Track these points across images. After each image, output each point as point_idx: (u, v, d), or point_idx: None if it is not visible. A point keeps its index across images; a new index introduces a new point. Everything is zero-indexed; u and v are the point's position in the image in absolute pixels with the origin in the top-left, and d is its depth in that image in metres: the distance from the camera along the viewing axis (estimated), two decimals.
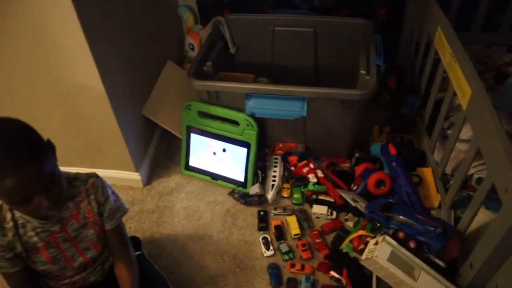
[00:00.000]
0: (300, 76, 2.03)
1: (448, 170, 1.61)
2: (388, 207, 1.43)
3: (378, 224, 1.41)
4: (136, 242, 1.44)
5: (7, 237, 1.02)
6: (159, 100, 1.83)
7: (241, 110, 1.63)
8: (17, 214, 1.03)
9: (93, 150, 1.70)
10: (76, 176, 1.13)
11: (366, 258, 1.28)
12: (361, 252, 1.37)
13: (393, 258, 1.25)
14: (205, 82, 1.61)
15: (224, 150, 1.71)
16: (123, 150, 1.66)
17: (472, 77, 1.30)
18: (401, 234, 1.32)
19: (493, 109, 1.20)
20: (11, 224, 1.02)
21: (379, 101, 2.00)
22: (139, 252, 1.39)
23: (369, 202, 1.52)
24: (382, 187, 1.54)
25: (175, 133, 1.82)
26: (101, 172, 1.77)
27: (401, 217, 1.37)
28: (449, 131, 1.66)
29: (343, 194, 1.54)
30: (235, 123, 1.65)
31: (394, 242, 1.28)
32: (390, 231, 1.35)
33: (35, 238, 1.05)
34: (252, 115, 1.61)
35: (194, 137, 1.76)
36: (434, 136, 1.65)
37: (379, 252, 1.25)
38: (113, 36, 1.50)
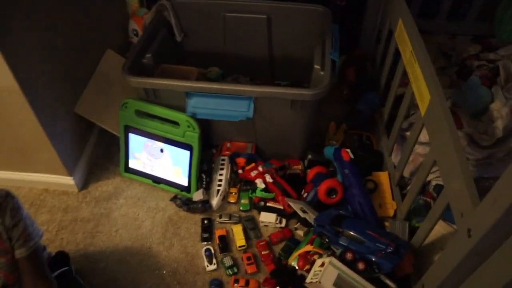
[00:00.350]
0: (254, 65, 1.88)
1: (406, 174, 1.51)
2: (339, 219, 1.32)
3: (327, 240, 1.30)
4: (63, 257, 1.30)
5: None
6: (95, 95, 1.65)
7: (183, 108, 1.47)
8: None
9: (17, 153, 1.52)
10: None
11: (311, 282, 1.16)
12: (308, 271, 1.26)
13: (340, 282, 1.14)
14: (141, 79, 1.44)
15: (161, 151, 1.56)
16: (50, 154, 1.49)
17: (432, 82, 1.17)
18: (349, 255, 1.21)
19: (453, 123, 1.07)
20: None
21: (338, 94, 1.87)
22: (65, 268, 1.26)
23: (319, 212, 1.40)
24: (334, 196, 1.42)
25: (113, 132, 1.65)
26: (30, 177, 1.63)
27: (351, 232, 1.26)
28: (408, 133, 1.54)
29: (291, 204, 1.42)
30: (175, 123, 1.49)
31: (341, 265, 1.17)
32: (338, 252, 1.24)
33: None
34: (193, 116, 1.45)
35: (133, 138, 1.60)
36: (392, 137, 1.54)
37: (324, 277, 1.14)
38: (31, 25, 1.30)
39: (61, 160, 1.52)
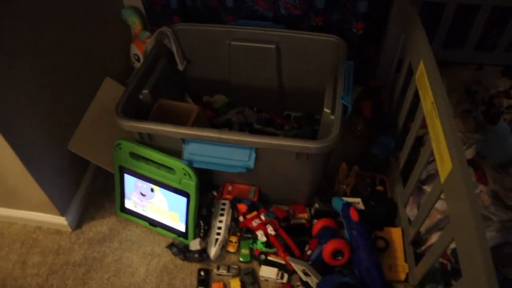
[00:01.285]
0: (263, 95, 1.76)
1: (421, 229, 1.38)
2: (345, 287, 1.21)
3: None
4: None
5: None
6: (91, 130, 1.55)
7: (178, 153, 1.36)
8: None
9: (7, 191, 1.44)
10: None
11: None
12: None
13: None
14: (133, 123, 1.33)
15: (152, 190, 1.47)
16: (40, 195, 1.41)
17: (456, 150, 1.02)
18: None
19: (478, 208, 0.94)
20: None
21: (352, 130, 1.73)
22: None
23: (322, 274, 1.28)
24: (340, 258, 1.30)
25: (108, 169, 1.56)
26: (23, 214, 1.56)
27: None
28: (425, 187, 1.41)
29: (293, 265, 1.31)
30: (172, 169, 1.39)
31: None
32: None
33: None
34: (190, 164, 1.35)
35: (128, 178, 1.50)
36: (408, 188, 1.40)
37: None
38: (15, 52, 1.21)
39: (51, 200, 1.44)
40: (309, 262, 1.32)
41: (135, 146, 1.40)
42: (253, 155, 1.31)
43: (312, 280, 1.28)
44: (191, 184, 1.37)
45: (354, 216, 1.31)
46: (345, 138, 1.70)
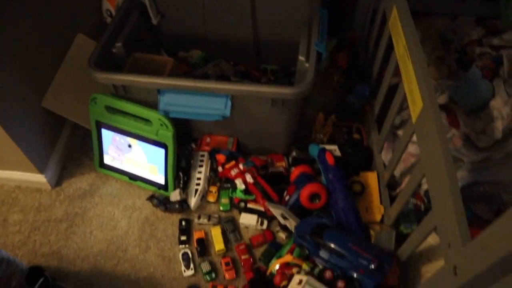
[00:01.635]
0: (238, 48, 1.74)
1: (396, 173, 1.41)
2: (321, 229, 1.24)
3: (307, 251, 1.22)
4: (37, 269, 1.26)
5: None
6: (64, 87, 1.53)
7: (155, 104, 1.36)
8: None
9: None
10: None
11: None
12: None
13: None
14: (107, 75, 1.32)
15: (129, 146, 1.47)
16: (16, 153, 1.40)
17: (426, 89, 1.04)
18: (328, 274, 1.14)
19: (446, 141, 0.97)
20: None
21: (328, 82, 1.74)
22: (42, 279, 1.21)
23: (300, 218, 1.32)
24: (317, 201, 1.33)
25: (85, 125, 1.55)
26: (1, 174, 1.55)
27: (332, 245, 1.19)
28: (400, 132, 1.44)
29: (271, 209, 1.34)
30: (148, 121, 1.39)
31: (318, 285, 1.10)
32: (316, 270, 1.17)
33: None
34: (166, 114, 1.35)
35: (106, 133, 1.50)
36: (383, 134, 1.43)
37: None
38: None
39: (29, 158, 1.43)
40: (288, 207, 1.35)
41: (111, 99, 1.39)
42: (229, 103, 1.32)
43: (291, 224, 1.31)
44: (168, 135, 1.37)
45: (330, 160, 1.34)
46: (322, 90, 1.70)
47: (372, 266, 1.13)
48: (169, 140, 1.38)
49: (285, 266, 1.24)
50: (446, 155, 0.95)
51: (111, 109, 1.42)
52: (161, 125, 1.36)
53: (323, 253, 1.19)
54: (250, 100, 1.30)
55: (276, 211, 1.33)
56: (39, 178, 1.52)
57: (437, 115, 1.02)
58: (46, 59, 1.48)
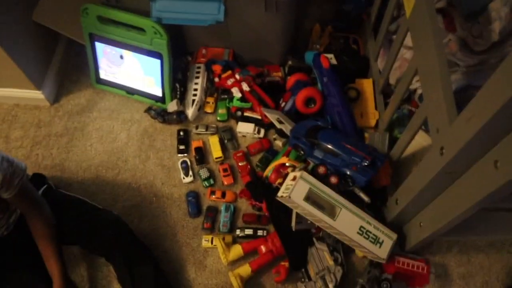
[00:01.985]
0: None
1: (391, 81, 1.42)
2: (315, 131, 1.27)
3: (302, 152, 1.25)
4: (40, 177, 1.29)
5: None
6: (52, 0, 1.50)
7: (147, 13, 1.34)
8: None
9: None
10: None
11: (282, 196, 1.14)
12: (281, 185, 1.23)
13: (311, 197, 1.12)
14: None
15: (121, 57, 1.46)
16: (14, 69, 1.40)
17: None
18: (321, 169, 1.17)
19: (438, 30, 0.97)
20: None
21: None
22: (45, 186, 1.25)
23: (296, 123, 1.34)
24: (312, 105, 1.35)
25: (78, 40, 1.53)
26: (1, 92, 1.56)
27: (326, 145, 1.21)
28: (395, 37, 1.42)
29: (267, 114, 1.35)
30: (142, 30, 1.37)
31: (312, 179, 1.13)
32: (310, 166, 1.20)
33: None
34: (159, 22, 1.33)
35: (100, 46, 1.49)
36: (378, 40, 1.42)
37: (295, 192, 1.11)
38: None
39: (26, 74, 1.43)
40: (283, 113, 1.36)
41: (103, 9, 1.37)
42: (222, 7, 1.29)
43: (286, 128, 1.34)
44: (162, 43, 1.36)
45: (325, 63, 1.34)
46: (319, 2, 1.67)
47: (365, 163, 1.16)
48: (163, 48, 1.37)
49: (281, 166, 1.27)
50: (438, 43, 0.95)
51: (103, 20, 1.40)
52: (155, 33, 1.34)
53: (317, 153, 1.22)
54: (243, 3, 1.28)
55: (272, 116, 1.35)
56: (37, 95, 1.53)
57: (431, 6, 1.01)
58: None
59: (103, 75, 1.55)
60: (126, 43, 1.42)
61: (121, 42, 1.43)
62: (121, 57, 1.46)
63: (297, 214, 1.20)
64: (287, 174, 1.21)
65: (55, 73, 1.59)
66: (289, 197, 1.10)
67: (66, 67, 1.65)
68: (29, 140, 1.51)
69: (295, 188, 1.11)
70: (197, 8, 1.30)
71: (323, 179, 1.15)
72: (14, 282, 1.15)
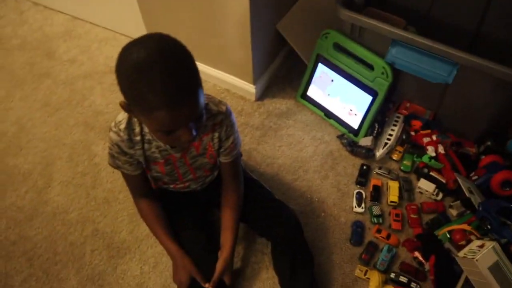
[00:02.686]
0: (454, 37, 1.78)
1: None
2: (506, 212, 1.28)
3: (489, 226, 1.27)
4: None
5: (134, 149, 1.05)
6: (297, 18, 1.72)
7: (380, 55, 1.48)
8: (146, 129, 1.03)
9: (218, 48, 1.66)
10: (207, 107, 1.07)
11: (464, 257, 1.17)
12: (459, 247, 1.26)
13: (495, 269, 1.13)
14: (352, 14, 1.46)
15: (332, 81, 1.62)
16: (246, 56, 1.61)
17: None
18: None
19: None
20: (138, 137, 1.04)
21: None
22: None
23: (486, 199, 1.36)
24: (508, 189, 1.36)
25: (302, 57, 1.73)
26: (219, 74, 1.80)
27: None
28: None
29: (459, 180, 1.40)
30: (369, 66, 1.51)
31: (502, 253, 1.15)
32: (502, 241, 1.22)
33: (157, 155, 1.09)
34: (391, 64, 1.46)
35: (321, 68, 1.66)
36: None
37: (482, 257, 1.13)
38: None
39: (253, 68, 1.64)
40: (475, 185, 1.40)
41: (343, 38, 1.54)
42: (454, 72, 1.39)
43: (475, 199, 1.36)
44: (384, 84, 1.49)
45: None
46: None
47: None
48: (383, 89, 1.50)
49: (460, 231, 1.29)
50: None
51: (338, 47, 1.57)
52: (382, 73, 1.48)
53: (507, 233, 1.23)
54: (475, 75, 1.36)
55: (464, 184, 1.38)
56: (249, 88, 1.74)
57: None
58: None
59: (309, 92, 1.72)
60: (348, 73, 1.57)
61: (344, 71, 1.58)
62: (332, 80, 1.61)
63: (465, 281, 1.21)
64: (469, 240, 1.24)
65: (269, 76, 1.80)
66: (476, 260, 1.12)
67: (278, 75, 1.86)
68: None
69: (484, 254, 1.13)
70: (431, 65, 1.41)
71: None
72: (188, 227, 1.27)
